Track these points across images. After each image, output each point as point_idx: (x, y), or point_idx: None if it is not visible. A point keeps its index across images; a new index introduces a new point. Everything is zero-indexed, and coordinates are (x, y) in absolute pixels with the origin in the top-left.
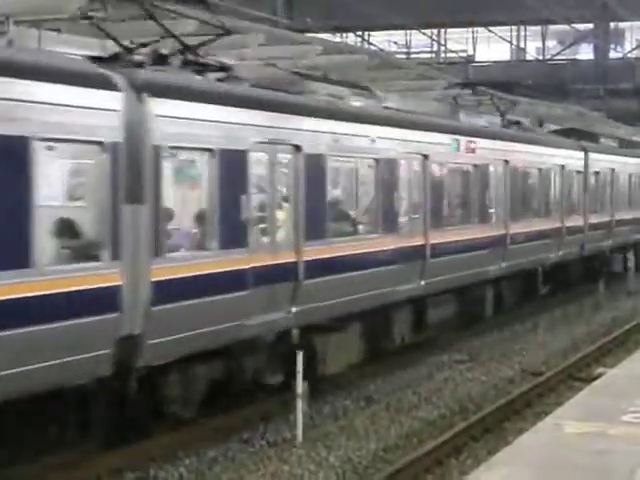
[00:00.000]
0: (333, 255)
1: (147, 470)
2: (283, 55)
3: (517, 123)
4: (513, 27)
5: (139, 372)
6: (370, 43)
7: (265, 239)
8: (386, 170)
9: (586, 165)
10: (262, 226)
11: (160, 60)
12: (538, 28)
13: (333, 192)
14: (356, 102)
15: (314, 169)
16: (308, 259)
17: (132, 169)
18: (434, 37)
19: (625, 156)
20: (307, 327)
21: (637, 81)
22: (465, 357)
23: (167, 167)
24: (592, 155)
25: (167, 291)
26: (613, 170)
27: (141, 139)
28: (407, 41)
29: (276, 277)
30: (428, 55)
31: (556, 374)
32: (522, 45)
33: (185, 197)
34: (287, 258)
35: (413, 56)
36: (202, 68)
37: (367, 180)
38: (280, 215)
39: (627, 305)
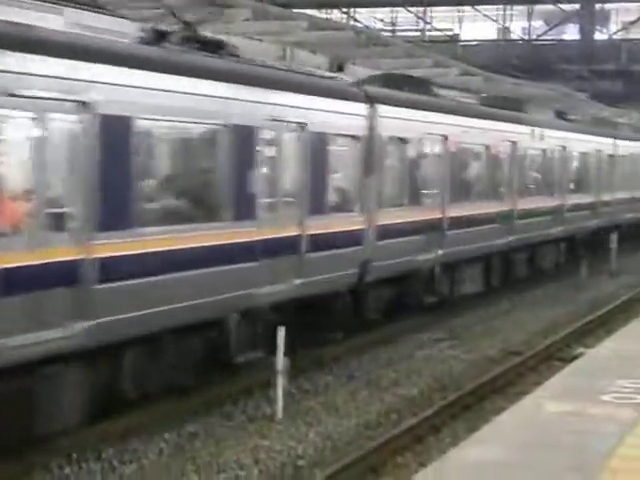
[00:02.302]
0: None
1: (126, 444)
2: (269, 30)
3: None
4: (499, 6)
5: None
6: (356, 20)
7: None
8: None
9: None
10: None
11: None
12: (524, 8)
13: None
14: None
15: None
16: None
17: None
18: (420, 15)
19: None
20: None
21: (622, 62)
22: (446, 336)
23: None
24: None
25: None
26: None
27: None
28: (392, 18)
29: None
30: (414, 33)
31: (536, 353)
32: (508, 25)
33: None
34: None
35: (398, 34)
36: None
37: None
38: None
39: (609, 286)
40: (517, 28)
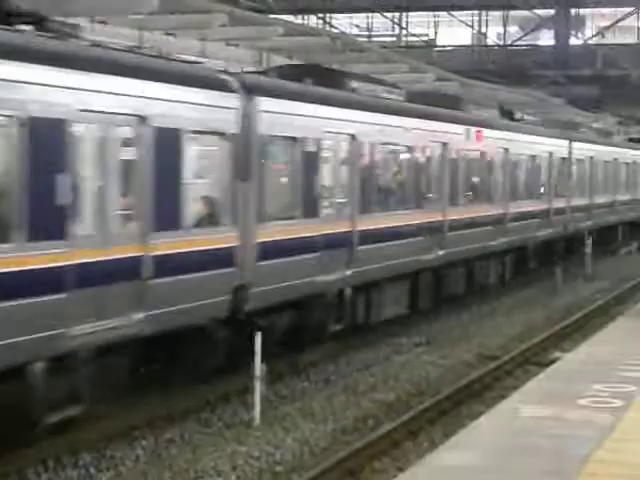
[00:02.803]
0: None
1: (104, 450)
2: (245, 36)
3: None
4: (475, 12)
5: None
6: (332, 26)
7: None
8: None
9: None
10: None
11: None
12: (499, 13)
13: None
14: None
15: None
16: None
17: None
18: (395, 20)
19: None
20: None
21: (597, 67)
22: (423, 340)
23: None
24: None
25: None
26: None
27: None
28: (369, 24)
29: None
30: (389, 39)
31: (513, 358)
32: (483, 30)
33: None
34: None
35: (374, 39)
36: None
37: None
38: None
39: (584, 290)
40: (492, 34)
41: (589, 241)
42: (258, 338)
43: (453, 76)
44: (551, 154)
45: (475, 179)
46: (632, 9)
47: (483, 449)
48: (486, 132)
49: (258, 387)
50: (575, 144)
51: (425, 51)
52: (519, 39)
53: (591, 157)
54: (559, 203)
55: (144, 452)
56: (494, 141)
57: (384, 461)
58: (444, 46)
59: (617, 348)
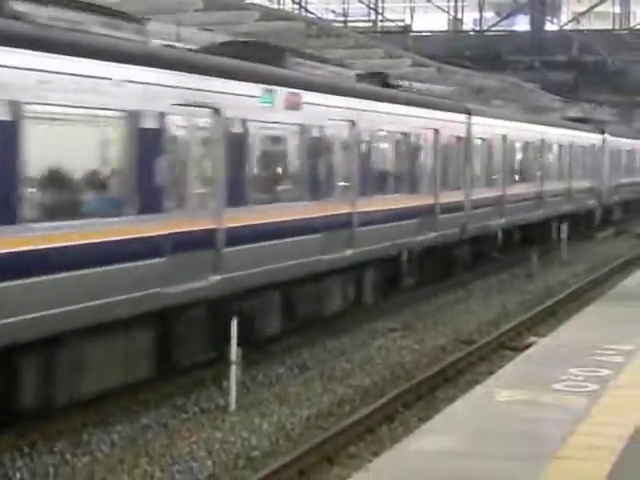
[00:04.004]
0: None
1: (79, 436)
2: (220, 21)
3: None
4: None
5: None
6: (307, 10)
7: None
8: None
9: None
10: None
11: None
12: None
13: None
14: None
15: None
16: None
17: None
18: (371, 6)
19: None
20: None
21: (572, 53)
22: (398, 325)
23: None
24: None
25: None
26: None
27: None
28: (344, 9)
29: None
30: (365, 24)
31: (488, 343)
32: (459, 16)
33: None
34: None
35: (350, 25)
36: None
37: None
38: None
39: (560, 275)
40: (469, 19)
41: (564, 226)
42: (234, 323)
43: (429, 62)
44: (437, 131)
45: (284, 165)
46: None
47: (459, 433)
48: (311, 97)
49: (234, 372)
50: (478, 119)
51: (401, 37)
52: (495, 24)
53: (504, 136)
54: (450, 197)
55: (120, 437)
56: (327, 110)
57: (360, 446)
58: (420, 32)
59: (592, 333)
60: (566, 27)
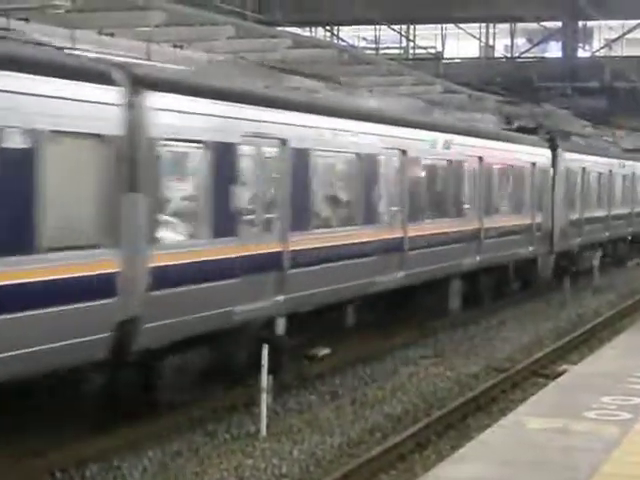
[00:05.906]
0: None
1: (111, 461)
2: (252, 48)
3: None
4: (482, 24)
5: None
6: (339, 38)
7: None
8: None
9: None
10: None
11: None
12: (507, 26)
13: None
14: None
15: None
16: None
17: None
18: (403, 33)
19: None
20: None
21: (605, 80)
22: (430, 353)
23: None
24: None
25: None
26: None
27: None
28: (376, 36)
29: None
30: (397, 51)
31: (520, 370)
32: (491, 42)
33: None
34: None
35: (382, 52)
36: None
37: None
38: None
39: (592, 303)
40: (500, 46)
41: (598, 253)
42: (265, 350)
43: (460, 88)
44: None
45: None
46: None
47: (490, 462)
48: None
49: (265, 399)
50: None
51: (432, 64)
52: (526, 51)
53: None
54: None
55: (151, 463)
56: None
57: (391, 474)
58: (452, 58)
59: (625, 361)
60: (598, 54)
